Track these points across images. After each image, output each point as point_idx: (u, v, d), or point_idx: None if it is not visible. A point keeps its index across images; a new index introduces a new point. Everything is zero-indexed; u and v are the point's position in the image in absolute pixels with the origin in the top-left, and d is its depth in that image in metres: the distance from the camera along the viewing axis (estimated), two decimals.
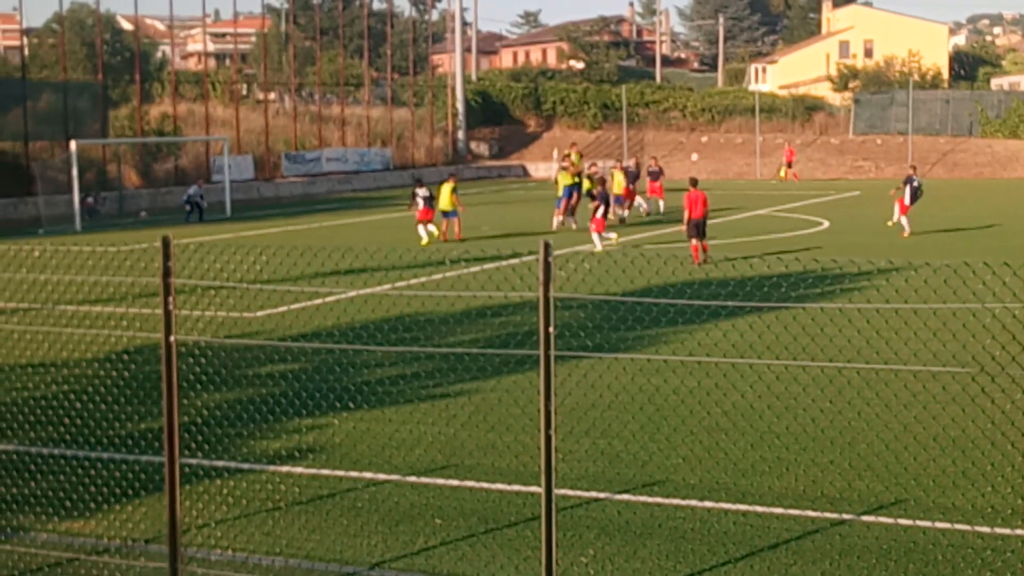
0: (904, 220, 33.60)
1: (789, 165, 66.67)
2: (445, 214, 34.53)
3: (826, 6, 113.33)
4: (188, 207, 43.94)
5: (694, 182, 29.28)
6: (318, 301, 21.52)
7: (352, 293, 22.14)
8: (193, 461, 11.30)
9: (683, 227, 28.81)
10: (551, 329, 8.87)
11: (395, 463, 11.70)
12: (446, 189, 35.08)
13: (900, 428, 12.51)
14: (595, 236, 30.85)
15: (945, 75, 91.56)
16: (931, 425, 12.27)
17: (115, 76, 60.13)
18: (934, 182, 63.87)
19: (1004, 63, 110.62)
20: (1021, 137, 72.10)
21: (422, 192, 34.41)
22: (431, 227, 34.06)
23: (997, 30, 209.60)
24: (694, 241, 27.76)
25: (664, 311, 18.60)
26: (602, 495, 10.79)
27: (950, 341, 13.63)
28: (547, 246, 8.88)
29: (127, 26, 71.38)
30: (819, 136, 76.83)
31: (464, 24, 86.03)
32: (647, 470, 11.45)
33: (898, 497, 10.62)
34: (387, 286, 23.34)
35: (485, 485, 11.03)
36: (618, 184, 38.82)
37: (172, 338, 9.28)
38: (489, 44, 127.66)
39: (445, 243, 33.35)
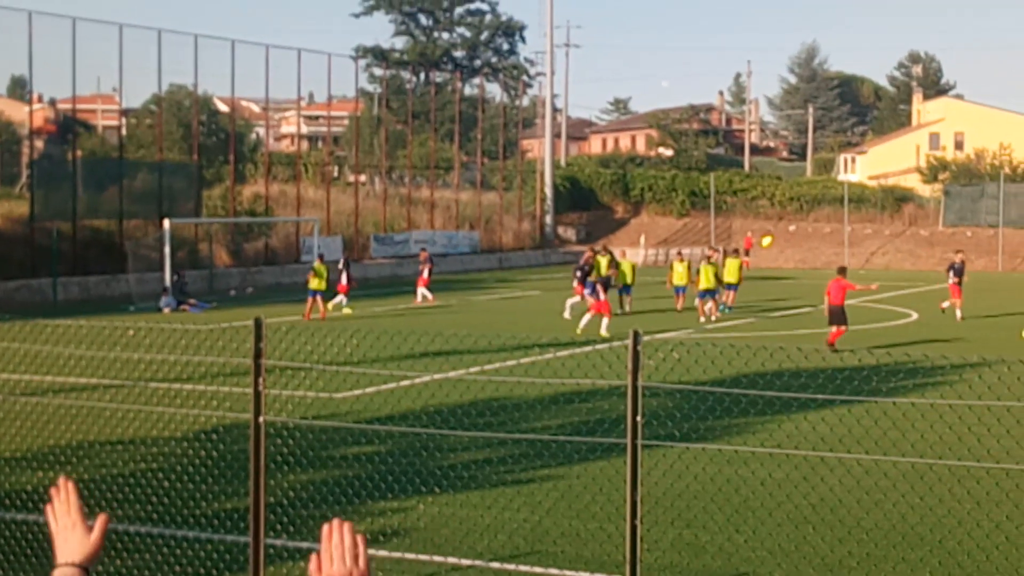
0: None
1: (747, 252, 65.66)
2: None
3: (916, 98, 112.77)
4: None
5: (841, 270, 30.42)
6: (405, 383, 21.59)
7: (438, 376, 22.20)
8: (278, 542, 11.33)
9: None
10: (639, 418, 8.85)
11: (478, 548, 11.65)
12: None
13: (991, 526, 12.25)
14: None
15: None
16: (1006, 524, 12.06)
17: (210, 156, 61.44)
18: None
19: None
20: None
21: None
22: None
23: None
24: (833, 328, 28.33)
25: (753, 402, 18.43)
26: None
27: None
28: (636, 334, 8.88)
29: (223, 108, 73.00)
30: (908, 227, 76.15)
31: (554, 110, 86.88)
32: (732, 562, 11.30)
33: None
34: (475, 369, 23.39)
35: (568, 573, 10.95)
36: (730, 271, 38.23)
37: (261, 419, 9.38)
38: (579, 130, 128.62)
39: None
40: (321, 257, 38.47)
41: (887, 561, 11.30)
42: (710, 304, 35.94)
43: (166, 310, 39.30)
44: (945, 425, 15.28)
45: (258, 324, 9.32)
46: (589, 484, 13.94)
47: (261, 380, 9.26)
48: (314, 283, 36.07)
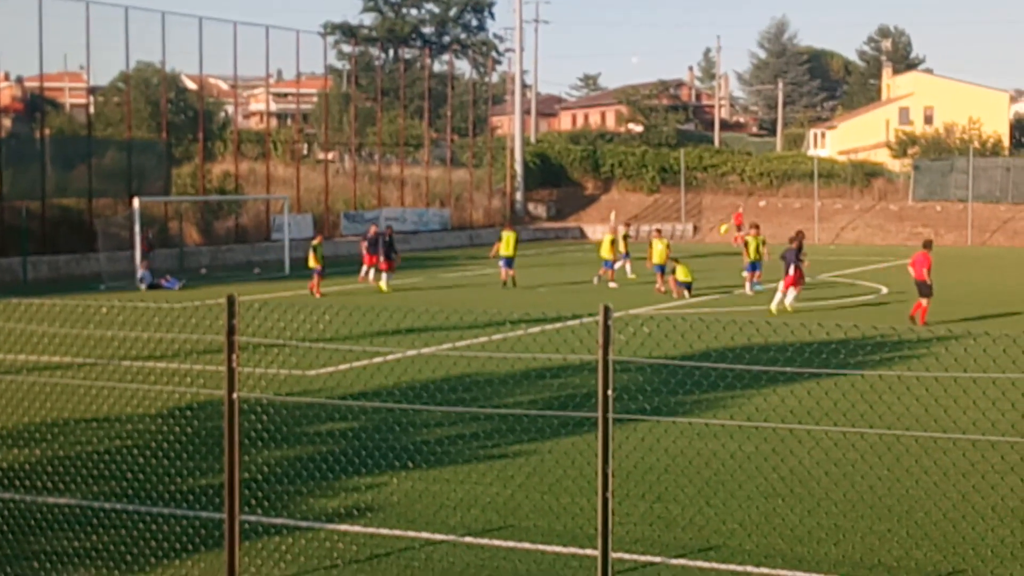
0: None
1: (738, 228, 66.35)
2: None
3: (886, 72, 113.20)
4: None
5: (927, 244, 30.35)
6: (378, 360, 21.67)
7: (411, 352, 22.28)
8: (252, 518, 11.39)
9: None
10: (610, 392, 8.95)
11: (451, 523, 11.74)
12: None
13: (958, 497, 12.43)
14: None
15: (1006, 143, 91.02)
16: (989, 495, 12.21)
17: (179, 135, 61.13)
18: (994, 250, 63.47)
19: None
20: None
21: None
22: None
23: None
24: (922, 301, 28.59)
25: (722, 376, 18.59)
26: (657, 559, 10.77)
27: (1009, 410, 13.61)
28: (607, 309, 8.97)
29: (191, 85, 72.57)
30: (878, 202, 76.54)
31: (524, 86, 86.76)
32: (703, 535, 11.44)
33: (955, 567, 10.53)
34: (446, 346, 23.48)
35: (541, 547, 11.05)
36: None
37: (235, 395, 9.43)
38: (548, 106, 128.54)
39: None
40: (320, 235, 38.23)
41: (855, 532, 11.45)
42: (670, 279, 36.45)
43: (142, 285, 39.15)
44: (912, 397, 15.49)
45: (231, 301, 9.37)
46: (561, 459, 14.06)
47: (235, 357, 9.31)
48: (311, 262, 36.09)
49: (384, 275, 38.03)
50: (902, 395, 15.64)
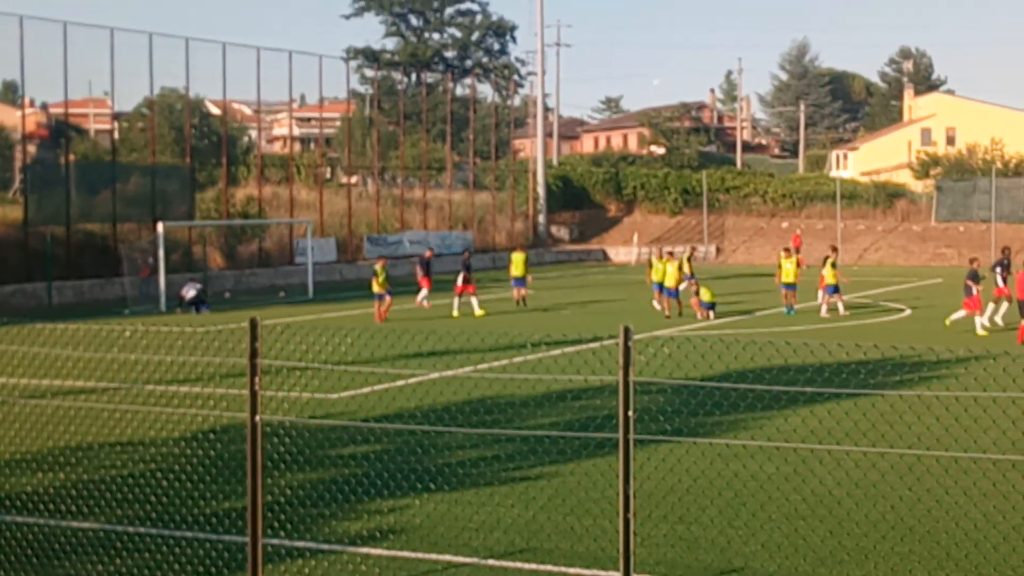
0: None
1: (797, 251, 66.24)
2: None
3: (908, 94, 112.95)
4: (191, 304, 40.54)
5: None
6: (400, 383, 21.70)
7: (434, 375, 22.31)
8: (275, 541, 11.41)
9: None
10: (630, 413, 8.94)
11: (474, 546, 11.74)
12: None
13: (980, 517, 12.37)
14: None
15: None
16: (1011, 515, 12.16)
17: (202, 159, 61.48)
18: (1018, 270, 63.08)
19: None
20: None
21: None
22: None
23: None
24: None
25: (743, 396, 18.57)
26: None
27: None
28: (627, 330, 8.98)
29: (215, 111, 73.02)
30: (901, 223, 76.32)
31: (546, 109, 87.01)
32: (725, 556, 11.40)
33: None
34: (468, 368, 23.49)
35: (563, 569, 11.03)
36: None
37: (257, 418, 9.46)
38: (570, 129, 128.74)
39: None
40: (384, 259, 37.76)
41: (877, 553, 11.40)
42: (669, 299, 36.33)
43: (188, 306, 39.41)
44: (933, 417, 15.45)
45: (253, 324, 9.41)
46: (583, 480, 14.05)
47: (257, 380, 9.34)
48: (375, 287, 35.76)
49: (473, 299, 37.56)
50: (921, 415, 15.62)
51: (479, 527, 12.35)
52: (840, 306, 36.33)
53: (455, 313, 37.05)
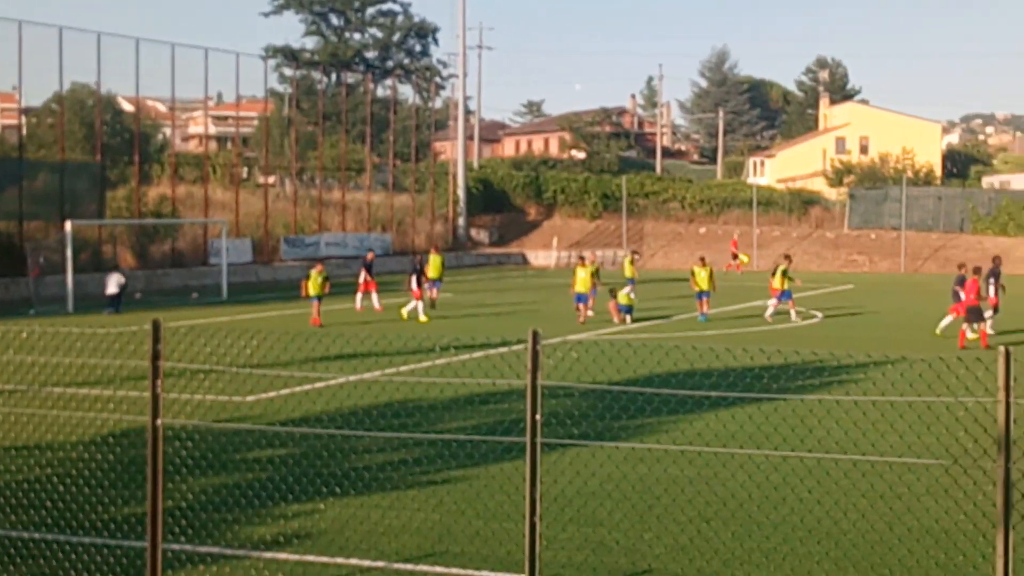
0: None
1: (734, 256, 67.83)
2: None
3: (823, 103, 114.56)
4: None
5: (976, 270, 30.53)
6: (307, 387, 21.49)
7: (343, 379, 22.14)
8: (176, 547, 11.20)
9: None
10: (538, 416, 8.91)
11: (383, 550, 11.61)
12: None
13: (877, 518, 12.55)
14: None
15: (938, 172, 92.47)
16: (907, 517, 12.34)
17: (114, 157, 60.46)
18: (926, 277, 64.22)
19: (995, 162, 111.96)
20: (1010, 235, 72.64)
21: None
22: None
23: (989, 129, 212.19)
24: (964, 326, 29.25)
25: (650, 400, 18.66)
26: None
27: (925, 433, 13.79)
28: (535, 335, 8.93)
29: (128, 107, 71.91)
30: (815, 230, 77.30)
31: (467, 112, 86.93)
32: (634, 558, 11.38)
33: None
34: (378, 372, 23.34)
35: (472, 572, 10.94)
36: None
37: (159, 422, 9.27)
38: (492, 132, 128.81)
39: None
40: (322, 264, 36.88)
41: (790, 555, 11.45)
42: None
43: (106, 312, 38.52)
44: (850, 421, 15.63)
45: (156, 326, 9.25)
46: (492, 484, 13.98)
47: (159, 382, 9.19)
48: (311, 290, 34.96)
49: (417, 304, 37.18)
50: (822, 419, 15.84)
51: (388, 531, 12.24)
52: (792, 313, 36.62)
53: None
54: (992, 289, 31.98)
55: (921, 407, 16.09)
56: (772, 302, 36.80)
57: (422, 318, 36.20)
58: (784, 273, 36.63)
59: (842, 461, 14.33)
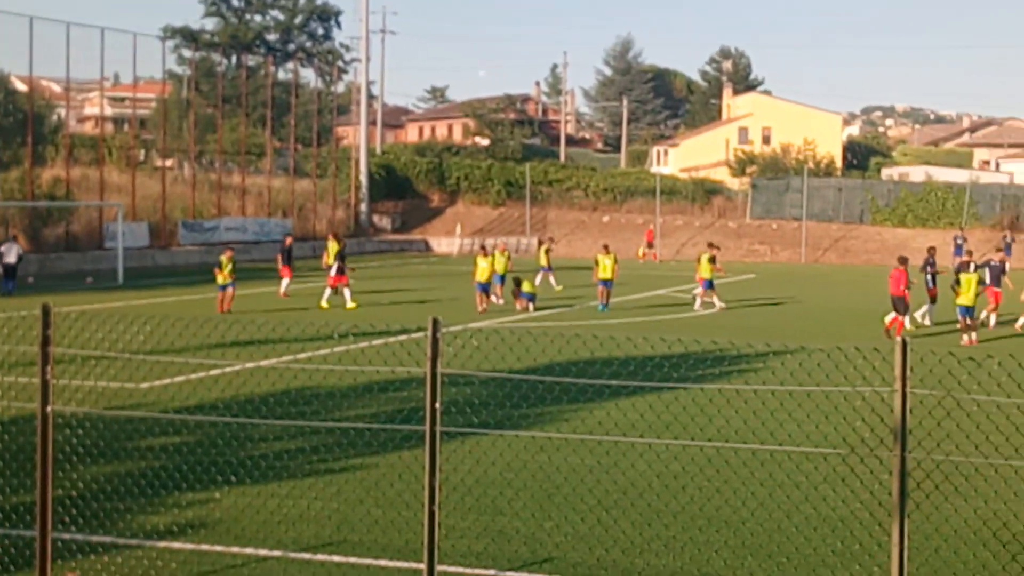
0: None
1: (650, 246, 68.55)
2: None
3: (727, 93, 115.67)
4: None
5: (902, 260, 30.59)
6: (202, 374, 21.17)
7: (239, 366, 21.86)
8: (67, 536, 10.95)
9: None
10: (437, 405, 8.84)
11: (281, 539, 11.45)
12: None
13: (775, 507, 12.67)
14: None
15: (839, 163, 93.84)
16: (804, 505, 12.47)
17: (6, 138, 59.08)
18: (827, 267, 65.20)
19: (895, 154, 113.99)
20: (909, 226, 74.04)
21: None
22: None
23: (889, 121, 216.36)
24: (893, 315, 29.51)
25: (550, 388, 18.66)
26: (489, 572, 10.65)
27: (823, 423, 13.94)
28: (435, 322, 8.85)
29: (21, 87, 70.27)
30: (717, 219, 78.07)
31: (370, 97, 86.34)
32: (533, 548, 11.34)
33: None
34: (274, 360, 23.07)
35: (371, 561, 10.85)
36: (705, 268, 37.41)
37: (49, 408, 9.05)
38: (395, 118, 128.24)
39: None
40: (231, 250, 35.30)
41: (690, 543, 11.50)
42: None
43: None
44: (749, 410, 15.75)
45: (46, 311, 9.04)
46: (390, 472, 13.87)
47: (49, 369, 8.99)
48: (219, 277, 33.76)
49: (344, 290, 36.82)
50: (722, 408, 15.97)
51: (286, 520, 12.09)
52: (715, 300, 36.87)
53: (324, 304, 36.05)
54: (930, 279, 32.44)
55: (819, 396, 16.28)
56: (698, 291, 37.12)
57: (349, 304, 35.68)
58: (712, 261, 37.00)
59: (741, 450, 14.45)
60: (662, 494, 13.06)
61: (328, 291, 36.51)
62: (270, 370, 21.32)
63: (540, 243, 49.26)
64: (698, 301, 37.00)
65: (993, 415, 15.36)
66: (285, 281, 38.71)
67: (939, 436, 12.78)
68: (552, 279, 43.58)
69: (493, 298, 36.27)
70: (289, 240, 41.60)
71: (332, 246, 39.95)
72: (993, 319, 31.71)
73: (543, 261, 44.73)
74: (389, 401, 18.49)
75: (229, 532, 11.66)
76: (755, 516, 12.34)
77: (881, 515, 11.36)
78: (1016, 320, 31.29)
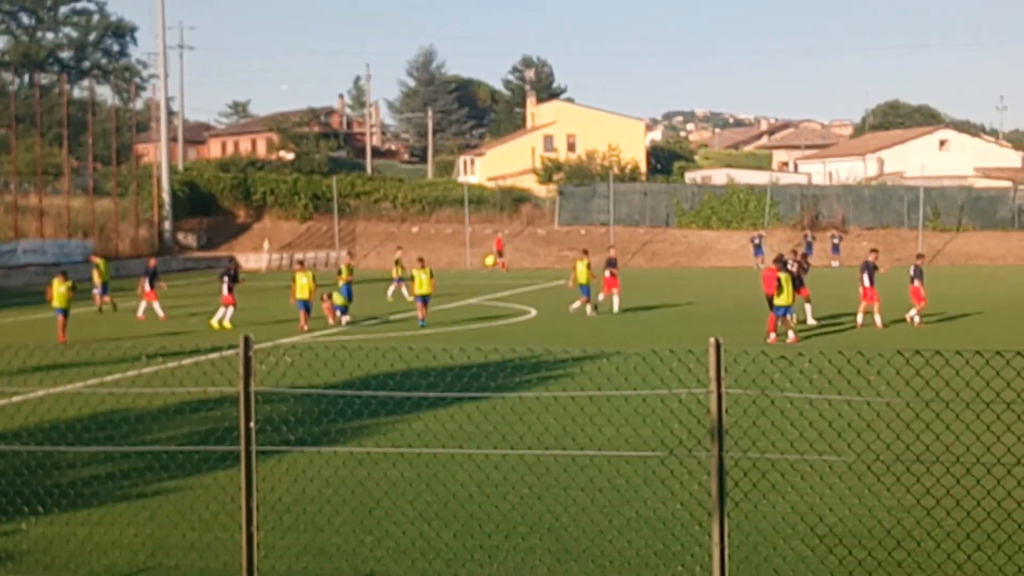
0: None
1: (500, 254, 68.88)
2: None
3: (531, 101, 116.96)
4: None
5: (778, 260, 30.89)
6: (3, 401, 20.38)
7: (43, 392, 21.10)
8: None
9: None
10: (252, 424, 8.65)
11: (93, 567, 11.09)
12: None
13: (596, 511, 12.78)
14: None
15: (643, 168, 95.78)
16: (625, 508, 12.61)
17: None
18: (635, 271, 66.36)
19: (697, 157, 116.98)
20: (714, 228, 76.05)
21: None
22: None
23: (690, 126, 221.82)
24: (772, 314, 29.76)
25: (367, 403, 18.51)
26: None
27: (641, 426, 14.10)
28: (247, 340, 8.66)
29: None
30: (527, 227, 78.79)
31: (170, 113, 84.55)
32: (354, 563, 11.21)
33: None
34: (80, 384, 22.33)
35: None
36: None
37: None
38: (196, 134, 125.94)
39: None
40: (63, 275, 32.63)
41: (513, 552, 11.49)
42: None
43: None
44: (567, 416, 15.85)
45: None
46: (205, 494, 13.56)
47: None
48: (55, 301, 31.61)
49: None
50: (540, 415, 16.06)
51: (97, 547, 11.71)
52: (588, 308, 37.08)
53: (227, 324, 34.62)
54: (867, 279, 32.93)
55: (636, 400, 16.49)
56: (581, 298, 37.29)
57: (227, 324, 34.52)
58: (589, 267, 37.32)
59: (561, 456, 14.52)
60: (483, 503, 13.05)
61: (223, 310, 35.24)
62: (75, 395, 20.62)
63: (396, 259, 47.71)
64: (587, 307, 37.15)
65: (806, 412, 15.77)
66: (145, 304, 38.23)
67: (755, 434, 13.08)
68: (405, 289, 42.96)
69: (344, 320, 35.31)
70: (153, 262, 40.75)
71: (100, 262, 42.03)
72: (916, 315, 32.81)
73: (395, 272, 45.04)
74: (203, 421, 18.08)
75: (38, 563, 11.24)
76: (576, 521, 12.41)
77: (701, 514, 11.55)
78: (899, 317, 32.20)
